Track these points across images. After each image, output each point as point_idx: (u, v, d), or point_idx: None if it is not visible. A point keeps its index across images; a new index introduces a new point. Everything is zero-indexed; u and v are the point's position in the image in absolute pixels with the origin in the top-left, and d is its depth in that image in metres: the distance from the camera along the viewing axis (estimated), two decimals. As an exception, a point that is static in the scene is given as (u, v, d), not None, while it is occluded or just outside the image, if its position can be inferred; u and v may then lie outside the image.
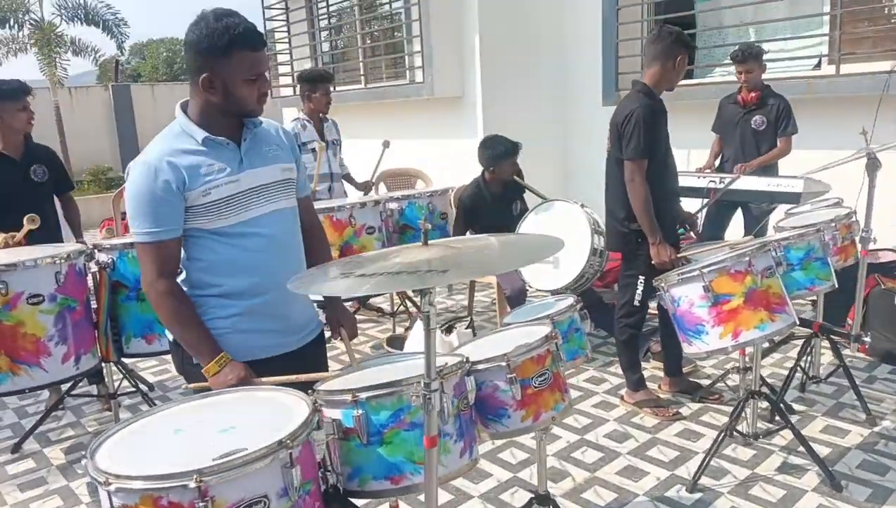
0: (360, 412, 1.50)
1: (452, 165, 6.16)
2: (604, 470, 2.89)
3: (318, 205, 4.21)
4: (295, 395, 1.51)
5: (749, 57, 4.30)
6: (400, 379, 1.54)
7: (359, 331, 4.77)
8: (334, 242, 4.08)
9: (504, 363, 1.74)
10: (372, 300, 5.06)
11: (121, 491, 1.19)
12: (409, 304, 4.91)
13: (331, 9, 8.32)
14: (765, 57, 4.38)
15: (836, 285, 2.76)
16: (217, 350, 1.79)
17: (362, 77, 8.00)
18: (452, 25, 6.61)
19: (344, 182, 5.03)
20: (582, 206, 3.69)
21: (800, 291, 2.68)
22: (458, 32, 6.60)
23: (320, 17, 8.43)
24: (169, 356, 4.70)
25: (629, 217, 3.15)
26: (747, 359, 3.17)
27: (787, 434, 3.05)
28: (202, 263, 1.87)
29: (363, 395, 1.50)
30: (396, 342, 4.22)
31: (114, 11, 10.10)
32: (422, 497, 1.48)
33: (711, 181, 4.14)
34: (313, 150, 4.74)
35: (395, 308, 4.76)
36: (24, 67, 10.50)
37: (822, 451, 2.93)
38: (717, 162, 4.73)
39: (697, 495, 2.69)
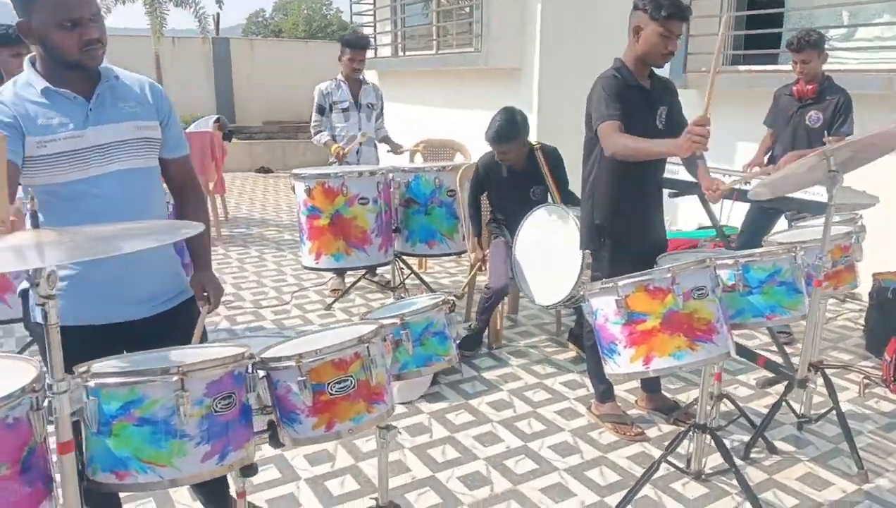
0: (93, 398, 1.39)
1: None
2: (529, 484, 2.65)
3: (319, 170, 4.17)
4: (31, 370, 1.42)
5: (806, 45, 3.74)
6: (143, 369, 1.42)
7: (364, 299, 4.75)
8: (325, 209, 4.02)
9: (294, 364, 1.58)
10: (380, 271, 4.96)
11: None
12: (413, 278, 4.79)
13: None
14: (854, 44, 3.79)
15: (805, 315, 2.33)
16: None
17: (434, 42, 7.82)
18: (514, -5, 6.27)
19: (378, 147, 4.96)
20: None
21: (756, 318, 2.28)
22: (519, 3, 6.26)
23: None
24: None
25: (595, 209, 2.84)
26: (720, 384, 2.81)
27: (756, 475, 2.69)
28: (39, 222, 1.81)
29: (92, 382, 1.40)
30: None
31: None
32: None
33: (736, 181, 3.66)
34: (344, 110, 4.71)
35: (401, 281, 4.64)
36: (131, 16, 11.19)
37: (788, 502, 2.54)
38: (767, 158, 4.19)
39: (612, 530, 2.40)
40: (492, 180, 3.87)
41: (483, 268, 3.88)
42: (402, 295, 4.45)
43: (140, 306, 1.90)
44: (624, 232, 2.82)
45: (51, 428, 1.48)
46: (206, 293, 2.01)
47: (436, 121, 7.55)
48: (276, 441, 1.72)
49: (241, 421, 1.55)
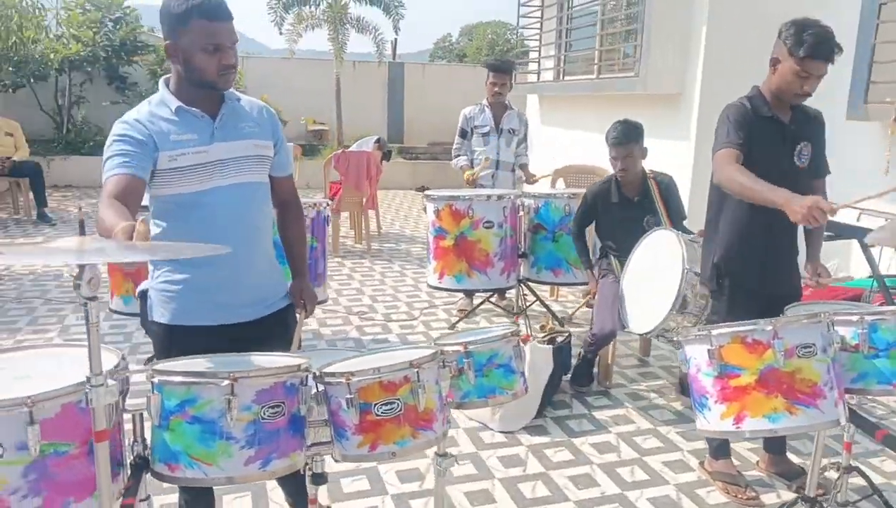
0: (157, 394, 1.53)
1: (663, 167, 5.66)
2: (617, 537, 2.50)
3: (450, 192, 4.26)
4: (112, 358, 1.59)
5: None
6: (200, 371, 1.54)
7: (489, 321, 4.75)
8: (451, 230, 4.09)
9: (344, 381, 1.62)
10: (508, 295, 4.94)
11: None
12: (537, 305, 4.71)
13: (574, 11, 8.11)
14: None
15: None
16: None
17: (596, 67, 7.70)
18: (678, 17, 6.00)
19: (516, 171, 4.97)
20: (689, 240, 3.09)
21: (882, 385, 1.97)
22: (683, 26, 5.97)
23: (570, 6, 8.23)
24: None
25: (716, 246, 2.64)
26: (849, 455, 2.48)
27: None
28: (160, 227, 2.03)
29: (157, 378, 1.53)
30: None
31: (395, -7, 11.17)
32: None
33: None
34: (484, 134, 4.80)
35: (524, 308, 4.59)
36: (318, 41, 12.15)
37: None
38: None
39: None
40: (601, 209, 3.72)
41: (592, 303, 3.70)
42: (519, 322, 4.38)
43: (245, 310, 2.04)
44: (745, 274, 2.58)
45: (127, 416, 1.65)
46: (302, 301, 2.16)
47: (591, 146, 7.40)
48: (333, 455, 1.77)
49: (290, 431, 1.61)
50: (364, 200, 6.96)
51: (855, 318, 2.01)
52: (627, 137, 3.54)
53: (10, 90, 9.76)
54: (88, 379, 1.32)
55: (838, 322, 1.99)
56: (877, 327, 1.99)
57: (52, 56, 9.65)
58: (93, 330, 1.30)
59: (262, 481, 1.75)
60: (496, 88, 4.76)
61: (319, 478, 1.96)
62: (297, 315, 2.18)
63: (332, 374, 1.66)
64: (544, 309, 4.71)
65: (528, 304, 4.61)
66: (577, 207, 3.85)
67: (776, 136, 2.51)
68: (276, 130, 2.12)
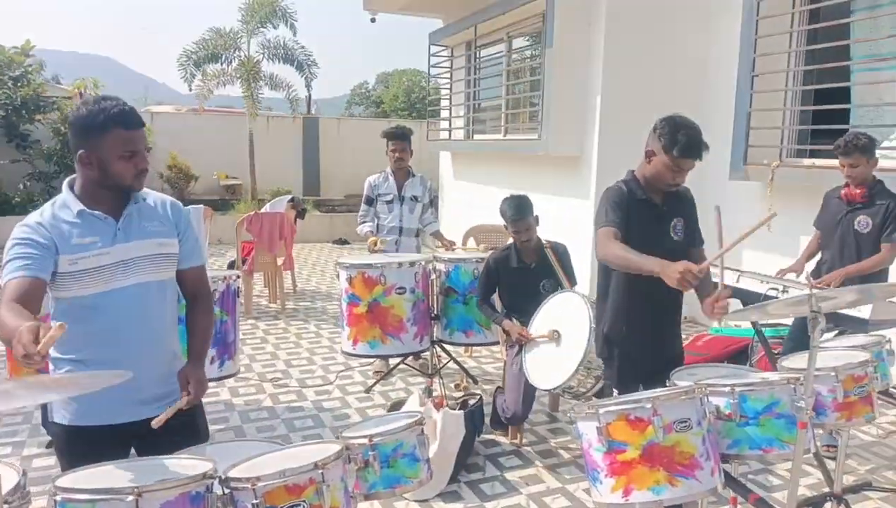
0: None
1: (565, 225, 5.94)
2: None
3: (361, 260, 4.35)
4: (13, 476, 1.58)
5: (854, 149, 3.65)
6: (103, 487, 1.56)
7: (405, 382, 4.82)
8: (363, 297, 4.16)
9: (250, 487, 1.66)
10: (425, 356, 5.02)
11: None
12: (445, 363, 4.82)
13: (482, 62, 8.48)
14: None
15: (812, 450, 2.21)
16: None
17: (503, 128, 8.05)
18: (575, 87, 6.40)
19: (420, 236, 5.09)
20: (591, 302, 3.32)
21: (753, 450, 2.17)
22: (580, 92, 6.38)
23: (477, 67, 8.60)
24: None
25: (605, 319, 2.84)
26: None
27: None
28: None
29: (59, 496, 1.53)
30: (397, 406, 4.16)
31: (307, 52, 11.28)
32: None
33: (773, 289, 3.53)
34: (388, 202, 4.89)
35: (439, 368, 4.69)
36: (230, 90, 12.15)
37: None
38: (813, 265, 4.04)
39: None
40: (502, 275, 3.91)
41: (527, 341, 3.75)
42: (433, 386, 4.46)
43: (145, 407, 2.04)
44: (631, 343, 2.78)
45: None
46: (188, 385, 2.08)
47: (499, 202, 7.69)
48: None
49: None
50: (280, 260, 6.94)
51: (727, 389, 2.21)
52: (523, 212, 3.76)
53: None
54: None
55: (712, 393, 2.18)
56: (746, 397, 2.19)
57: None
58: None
59: None
60: (397, 155, 4.88)
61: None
62: (179, 398, 2.07)
63: (238, 479, 1.70)
64: (458, 367, 4.83)
65: (442, 364, 4.72)
66: (480, 274, 4.01)
67: (651, 215, 2.75)
68: (179, 222, 2.15)
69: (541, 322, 3.56)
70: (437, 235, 5.04)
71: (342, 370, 5.14)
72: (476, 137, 8.59)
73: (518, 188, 5.69)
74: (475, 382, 4.80)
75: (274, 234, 6.64)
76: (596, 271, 2.93)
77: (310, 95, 13.42)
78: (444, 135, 9.39)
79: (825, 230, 3.94)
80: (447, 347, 4.73)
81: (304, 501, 1.69)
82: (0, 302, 1.83)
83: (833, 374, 2.38)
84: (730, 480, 2.27)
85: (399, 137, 4.88)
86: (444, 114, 9.57)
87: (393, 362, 4.99)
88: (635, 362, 2.78)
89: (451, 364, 4.87)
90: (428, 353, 4.76)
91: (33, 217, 1.99)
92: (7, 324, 1.71)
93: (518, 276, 3.84)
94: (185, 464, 1.76)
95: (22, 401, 1.40)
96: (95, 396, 1.99)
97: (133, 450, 2.10)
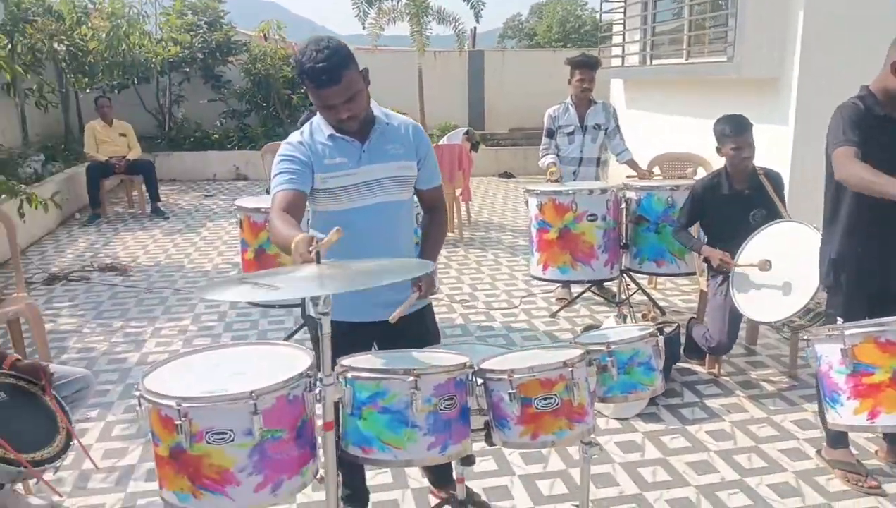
0: (349, 387, 1.76)
1: (758, 154, 5.59)
2: (740, 522, 2.62)
3: (552, 187, 4.40)
4: (306, 358, 1.83)
5: None
6: (388, 368, 1.76)
7: (589, 310, 4.87)
8: (554, 223, 4.24)
9: (506, 378, 1.81)
10: (607, 285, 5.03)
11: (144, 401, 1.68)
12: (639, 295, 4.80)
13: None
14: None
15: None
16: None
17: (685, 51, 7.61)
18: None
19: (599, 165, 5.01)
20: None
21: None
22: (779, 7, 5.85)
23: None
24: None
25: (832, 243, 2.69)
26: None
27: None
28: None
29: (350, 374, 1.76)
30: (590, 330, 4.20)
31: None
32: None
33: None
34: (569, 134, 4.85)
35: (626, 297, 4.69)
36: (398, 34, 12.35)
37: None
38: None
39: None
40: (710, 203, 3.74)
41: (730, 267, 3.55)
42: (625, 313, 4.49)
43: (383, 310, 2.23)
44: (862, 270, 2.63)
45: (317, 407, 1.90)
46: (420, 284, 2.23)
47: (682, 132, 7.35)
48: (489, 440, 1.98)
49: (461, 420, 1.83)
50: (458, 192, 7.16)
51: None
52: (745, 128, 3.58)
53: (116, 91, 10.43)
54: (320, 379, 1.56)
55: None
56: None
57: (154, 59, 10.25)
58: (325, 339, 1.54)
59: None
60: (584, 85, 4.77)
61: (468, 461, 2.18)
62: (411, 294, 2.25)
63: (494, 371, 1.86)
64: (646, 298, 4.80)
65: (630, 294, 4.71)
66: (685, 201, 3.89)
67: (891, 133, 2.54)
68: (420, 147, 2.30)
69: (753, 253, 3.45)
70: (632, 163, 4.91)
71: (525, 296, 5.28)
72: (654, 62, 8.19)
73: (701, 115, 5.44)
74: (662, 313, 4.75)
75: (453, 165, 6.84)
76: (798, 197, 2.78)
77: (475, 29, 13.36)
78: (616, 62, 9.04)
79: None
80: (635, 277, 4.70)
81: (555, 395, 1.82)
82: (272, 211, 2.11)
83: None
84: None
85: (587, 66, 4.78)
86: (616, 40, 9.19)
87: (576, 290, 5.05)
88: (864, 290, 2.64)
89: (637, 296, 4.84)
90: (614, 282, 4.78)
91: (295, 136, 2.24)
92: (281, 232, 1.98)
93: (728, 204, 3.67)
94: (441, 356, 1.95)
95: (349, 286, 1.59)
96: (344, 296, 2.24)
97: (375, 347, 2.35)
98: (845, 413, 2.04)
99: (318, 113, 2.25)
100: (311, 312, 2.31)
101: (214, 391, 1.65)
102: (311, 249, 1.73)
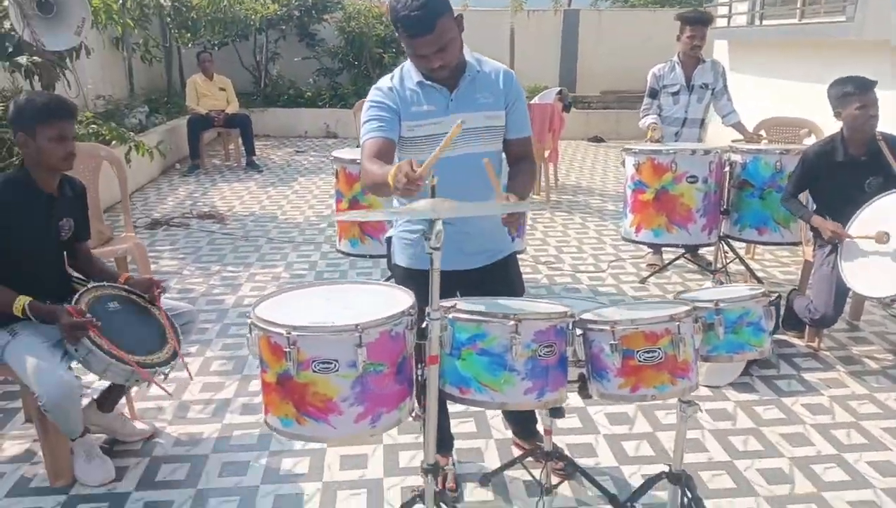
0: (449, 327, 1.78)
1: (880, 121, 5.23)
2: (836, 494, 2.50)
3: (652, 146, 4.26)
4: (408, 298, 1.85)
5: None
6: (488, 311, 1.77)
7: (681, 277, 4.73)
8: (651, 184, 4.11)
9: (609, 329, 1.78)
10: (702, 251, 4.87)
11: (255, 328, 1.75)
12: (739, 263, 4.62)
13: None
14: None
15: None
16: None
17: (798, 11, 7.14)
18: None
19: (703, 126, 4.82)
20: None
21: None
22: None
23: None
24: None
25: None
26: None
27: None
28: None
29: (451, 314, 1.78)
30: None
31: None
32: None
33: None
34: (674, 93, 4.67)
35: (723, 265, 4.52)
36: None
37: None
38: None
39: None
40: (824, 169, 3.51)
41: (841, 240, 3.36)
42: (722, 280, 4.33)
43: (469, 258, 2.26)
44: None
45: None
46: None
47: (790, 98, 6.95)
48: (584, 392, 1.96)
49: (559, 368, 1.82)
50: (547, 152, 7.05)
51: None
52: (870, 83, 3.33)
53: (216, 48, 10.77)
54: (428, 313, 1.58)
55: None
56: None
57: (253, 16, 10.50)
58: (434, 274, 1.56)
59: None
60: (695, 42, 4.55)
61: (557, 412, 2.18)
62: (501, 254, 2.28)
63: (595, 321, 1.83)
64: (743, 268, 4.62)
65: (726, 262, 4.53)
66: (795, 168, 3.67)
67: None
68: (510, 93, 2.21)
69: (866, 223, 3.24)
70: (739, 126, 4.68)
71: (613, 260, 5.18)
72: (764, 22, 7.73)
73: (813, 80, 5.08)
74: (761, 283, 4.55)
75: (544, 125, 6.72)
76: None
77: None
78: (722, 22, 8.59)
79: None
80: (734, 245, 4.52)
81: (659, 348, 1.78)
82: (362, 158, 2.10)
83: None
84: None
85: (700, 22, 4.55)
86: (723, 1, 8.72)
87: (668, 257, 4.91)
88: None
89: (733, 265, 4.66)
90: (710, 250, 4.61)
91: (385, 81, 2.20)
92: (375, 172, 1.97)
93: (843, 171, 3.44)
94: (541, 304, 1.93)
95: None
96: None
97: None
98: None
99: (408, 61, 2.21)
100: (395, 260, 2.33)
101: (322, 321, 1.70)
102: (409, 175, 1.71)
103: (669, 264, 4.86)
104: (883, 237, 3.13)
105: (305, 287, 2.03)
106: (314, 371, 1.68)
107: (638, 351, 1.78)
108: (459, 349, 1.78)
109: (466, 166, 2.13)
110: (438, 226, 1.54)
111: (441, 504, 1.91)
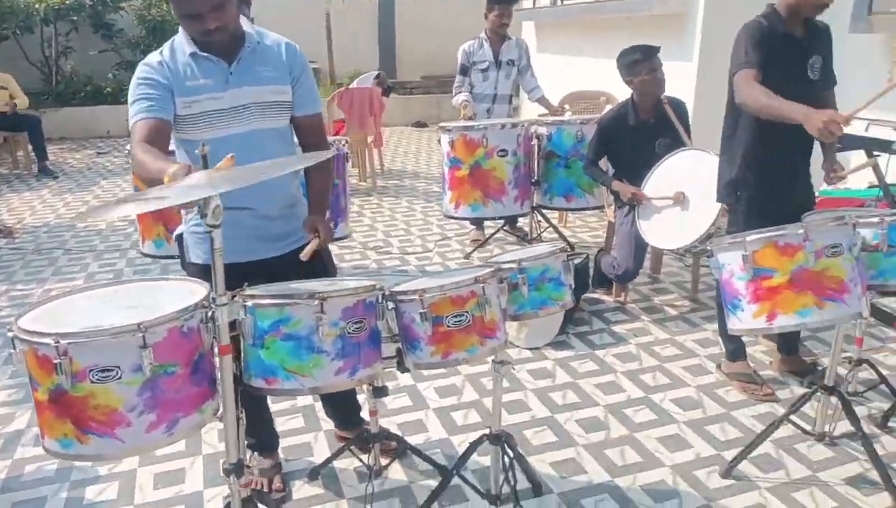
0: (249, 316, 1.66)
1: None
2: (646, 433, 2.71)
3: (464, 123, 4.33)
4: (202, 290, 1.70)
5: None
6: (291, 293, 1.67)
7: (502, 249, 4.90)
8: (465, 160, 4.18)
9: (417, 298, 1.76)
10: (520, 223, 5.07)
11: (19, 343, 1.52)
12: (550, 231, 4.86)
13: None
14: None
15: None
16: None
17: (593, -9, 7.61)
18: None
19: (511, 102, 4.99)
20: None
21: (898, 278, 2.14)
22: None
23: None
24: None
25: (732, 162, 2.77)
26: (860, 349, 2.68)
27: (892, 444, 2.57)
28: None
29: (250, 302, 1.66)
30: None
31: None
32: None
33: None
34: (483, 70, 4.78)
35: (538, 234, 4.73)
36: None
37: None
38: None
39: (728, 482, 2.40)
40: (616, 134, 3.77)
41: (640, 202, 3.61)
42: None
43: (270, 245, 2.13)
44: (761, 188, 2.72)
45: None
46: (317, 230, 2.06)
47: (592, 73, 7.40)
48: (402, 366, 1.93)
49: (371, 344, 1.77)
50: (370, 138, 6.99)
51: (875, 220, 2.16)
52: (654, 52, 3.59)
53: (-7, 43, 9.57)
54: (213, 299, 1.45)
55: (860, 224, 2.13)
56: (895, 227, 2.14)
57: (36, 6, 9.41)
58: (217, 255, 1.42)
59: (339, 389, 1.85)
60: (502, 20, 4.71)
61: (381, 391, 2.14)
62: (303, 237, 2.11)
63: (405, 292, 1.80)
64: (556, 236, 4.86)
65: (541, 231, 4.74)
66: (593, 135, 3.91)
67: (792, 50, 2.61)
68: (294, 66, 2.08)
69: (658, 182, 3.51)
70: (543, 100, 4.91)
71: (440, 240, 5.25)
72: (566, 2, 8.18)
73: (609, 56, 5.43)
74: (572, 248, 4.82)
75: (364, 109, 6.65)
76: (702, 129, 2.84)
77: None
78: (528, 3, 8.98)
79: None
80: (546, 213, 4.74)
81: (467, 312, 1.78)
82: (133, 144, 1.89)
83: None
84: (873, 308, 2.25)
85: (506, 1, 4.70)
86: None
87: (489, 231, 5.05)
88: (764, 207, 2.73)
89: (548, 233, 4.89)
90: (526, 220, 4.81)
91: (153, 56, 1.99)
92: (149, 165, 1.75)
93: (635, 134, 3.71)
94: (348, 282, 1.87)
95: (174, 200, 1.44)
96: (225, 238, 2.05)
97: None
98: (745, 318, 2.11)
99: (180, 29, 2.00)
100: (191, 258, 2.14)
101: (97, 325, 1.51)
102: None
103: (490, 237, 5.00)
104: (679, 197, 3.40)
105: (81, 291, 1.81)
106: (93, 382, 1.49)
107: (447, 317, 1.77)
108: (262, 337, 1.66)
109: (254, 144, 1.99)
110: (215, 201, 1.40)
111: (260, 505, 1.79)
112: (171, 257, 3.75)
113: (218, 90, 1.96)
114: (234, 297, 1.60)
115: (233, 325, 1.63)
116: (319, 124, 2.20)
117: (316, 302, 1.63)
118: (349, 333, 1.69)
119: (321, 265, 2.27)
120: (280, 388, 1.67)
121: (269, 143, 2.03)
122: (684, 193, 3.38)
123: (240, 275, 1.94)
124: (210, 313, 1.60)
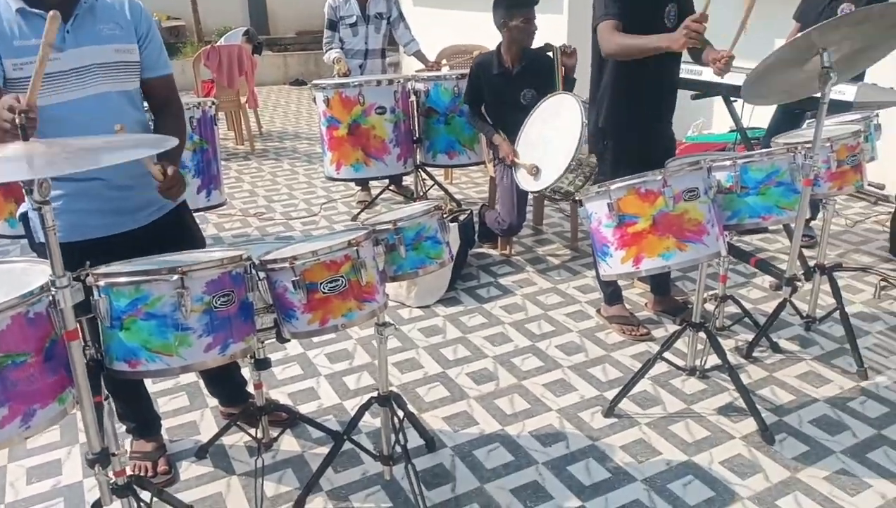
0: (104, 296, 1.55)
1: (536, 44, 5.74)
2: (533, 380, 2.80)
3: (338, 80, 4.20)
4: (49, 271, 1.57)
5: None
6: (147, 269, 1.57)
7: (389, 209, 4.85)
8: (343, 119, 4.08)
9: (288, 266, 1.70)
10: (406, 183, 5.04)
11: None
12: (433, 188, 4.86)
13: None
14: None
15: (810, 216, 2.34)
16: None
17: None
18: None
19: (385, 56, 4.87)
20: (583, 103, 3.29)
21: (752, 218, 2.28)
22: None
23: None
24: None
25: (600, 112, 2.85)
26: (724, 286, 2.87)
27: (756, 373, 2.79)
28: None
29: (103, 282, 1.55)
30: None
31: None
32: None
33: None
34: (352, 25, 4.63)
35: (423, 192, 4.73)
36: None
37: (784, 398, 2.63)
38: None
39: (610, 421, 2.54)
40: (484, 82, 3.77)
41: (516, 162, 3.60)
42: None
43: (129, 217, 1.99)
44: (627, 135, 2.83)
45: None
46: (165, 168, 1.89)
47: (467, 27, 7.38)
48: (280, 337, 1.87)
49: (241, 317, 1.69)
50: (244, 98, 6.68)
51: (728, 163, 2.28)
52: (534, 1, 3.57)
53: None
54: (53, 282, 1.32)
55: (715, 168, 2.26)
56: (747, 169, 2.28)
57: None
58: (50, 233, 1.30)
59: (218, 364, 1.77)
60: None
61: (263, 363, 2.08)
62: (162, 205, 2.03)
63: (275, 261, 1.73)
64: (442, 193, 4.87)
65: (426, 189, 4.74)
66: (467, 81, 3.90)
67: (648, 1, 2.69)
68: (140, 25, 1.94)
69: (529, 133, 3.56)
70: (419, 55, 4.83)
71: (325, 202, 5.13)
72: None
73: (488, 8, 5.43)
74: (459, 205, 4.86)
75: (233, 68, 6.33)
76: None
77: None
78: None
79: (806, 21, 3.90)
80: (431, 171, 4.73)
81: (342, 276, 1.74)
82: None
83: (828, 144, 2.46)
84: (731, 247, 2.40)
85: None
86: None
87: (375, 191, 5.00)
88: (630, 153, 2.84)
89: (434, 190, 4.90)
90: (411, 179, 4.78)
91: None
92: None
93: (499, 83, 3.72)
94: (213, 253, 1.78)
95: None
96: (78, 212, 1.90)
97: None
98: (614, 264, 2.20)
99: None
100: (40, 237, 1.97)
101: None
102: (14, 107, 1.41)
103: (377, 197, 4.95)
104: (532, 169, 3.44)
105: None
106: (-74, 382, 1.35)
107: (321, 283, 1.72)
108: (120, 318, 1.56)
109: (101, 109, 1.84)
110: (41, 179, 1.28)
111: (137, 489, 1.70)
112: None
113: (54, 50, 1.77)
114: (79, 277, 1.48)
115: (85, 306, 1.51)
116: (171, 84, 2.07)
117: (176, 277, 1.54)
118: (216, 307, 1.62)
119: (188, 231, 2.16)
120: (145, 370, 1.58)
121: (117, 105, 1.89)
122: (538, 166, 3.41)
123: (105, 252, 1.84)
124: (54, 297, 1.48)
